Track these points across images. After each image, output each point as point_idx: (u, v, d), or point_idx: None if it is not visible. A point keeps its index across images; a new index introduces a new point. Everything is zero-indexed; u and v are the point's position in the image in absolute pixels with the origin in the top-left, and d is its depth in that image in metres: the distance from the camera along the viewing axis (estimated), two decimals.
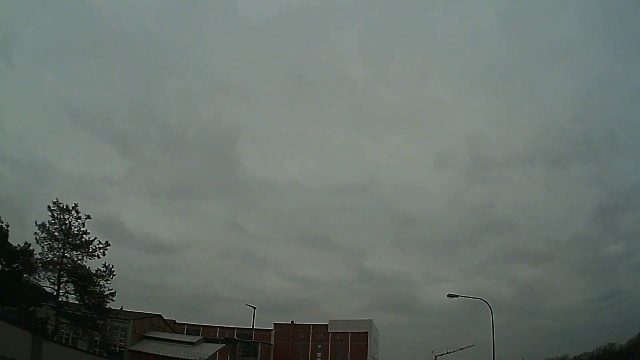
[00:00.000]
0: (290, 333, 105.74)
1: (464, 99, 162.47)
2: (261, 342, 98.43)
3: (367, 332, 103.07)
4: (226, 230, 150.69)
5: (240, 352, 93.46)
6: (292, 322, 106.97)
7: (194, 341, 67.16)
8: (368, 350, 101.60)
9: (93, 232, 42.12)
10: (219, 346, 70.06)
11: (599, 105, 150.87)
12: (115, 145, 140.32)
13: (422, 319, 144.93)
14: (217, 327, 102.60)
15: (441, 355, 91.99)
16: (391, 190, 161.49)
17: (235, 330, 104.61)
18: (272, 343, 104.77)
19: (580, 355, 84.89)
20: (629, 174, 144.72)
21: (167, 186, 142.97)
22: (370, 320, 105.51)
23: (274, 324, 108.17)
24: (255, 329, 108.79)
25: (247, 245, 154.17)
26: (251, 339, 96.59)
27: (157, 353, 57.41)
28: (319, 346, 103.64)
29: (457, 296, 35.73)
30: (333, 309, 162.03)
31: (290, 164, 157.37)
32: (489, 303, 35.71)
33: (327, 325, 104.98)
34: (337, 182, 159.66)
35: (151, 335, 62.87)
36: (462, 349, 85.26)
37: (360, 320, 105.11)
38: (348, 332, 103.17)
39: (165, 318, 73.16)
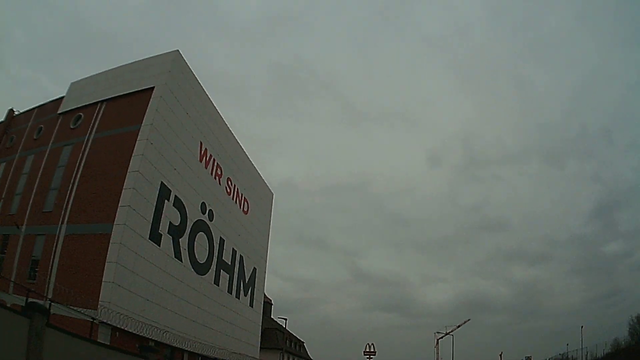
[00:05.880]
0: None
1: (454, 95, 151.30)
2: None
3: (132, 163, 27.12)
4: None
5: None
6: None
7: None
8: (122, 201, 26.10)
9: None
10: None
11: (594, 101, 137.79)
12: None
13: (419, 320, 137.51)
14: None
15: (441, 337, 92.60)
16: (384, 190, 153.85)
17: None
18: None
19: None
20: (626, 171, 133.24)
21: None
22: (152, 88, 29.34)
23: None
24: None
25: None
26: None
27: None
28: None
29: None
30: (330, 309, 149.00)
31: (281, 163, 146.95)
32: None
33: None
34: (328, 181, 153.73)
35: None
36: (459, 326, 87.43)
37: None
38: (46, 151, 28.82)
39: None
